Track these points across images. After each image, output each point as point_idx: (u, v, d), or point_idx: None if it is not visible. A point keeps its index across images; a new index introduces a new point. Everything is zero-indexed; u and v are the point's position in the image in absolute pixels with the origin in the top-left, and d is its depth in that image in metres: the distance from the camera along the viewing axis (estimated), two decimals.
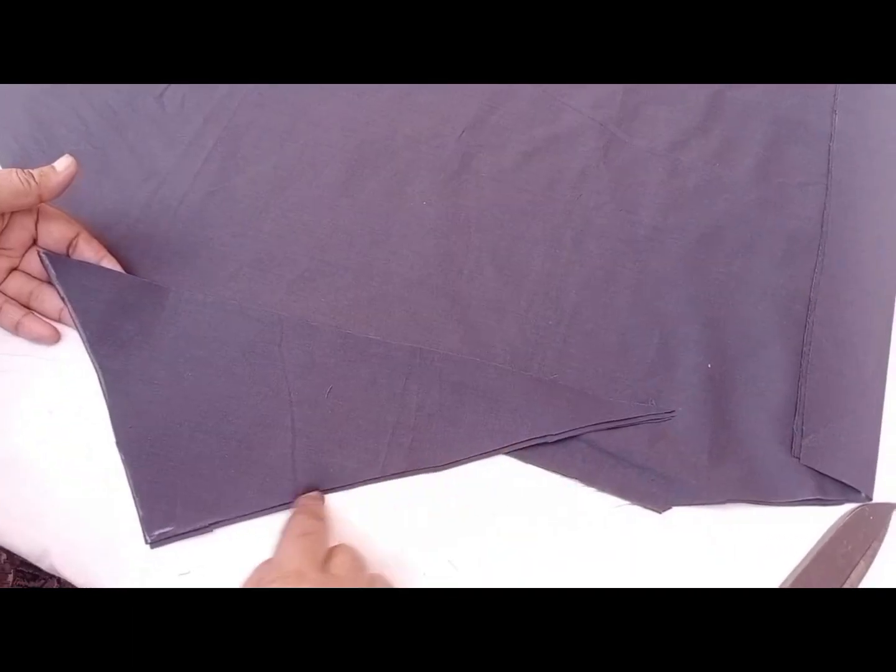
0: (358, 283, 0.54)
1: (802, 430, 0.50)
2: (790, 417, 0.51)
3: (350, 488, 0.48)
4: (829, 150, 0.60)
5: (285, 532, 0.44)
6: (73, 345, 0.50)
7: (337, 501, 0.48)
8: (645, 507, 0.48)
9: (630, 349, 0.53)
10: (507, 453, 0.49)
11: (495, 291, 0.54)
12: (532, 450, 0.49)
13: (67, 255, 0.50)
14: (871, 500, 0.49)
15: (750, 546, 0.48)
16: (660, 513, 0.48)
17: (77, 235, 0.50)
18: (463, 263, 0.55)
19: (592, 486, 0.49)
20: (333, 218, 0.56)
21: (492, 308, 0.54)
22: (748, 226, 0.57)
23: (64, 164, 0.48)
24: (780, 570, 0.47)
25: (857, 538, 0.47)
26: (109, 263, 0.51)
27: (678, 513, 0.48)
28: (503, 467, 0.49)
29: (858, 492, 0.49)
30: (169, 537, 0.46)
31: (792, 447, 0.50)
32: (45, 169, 0.47)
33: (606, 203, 0.57)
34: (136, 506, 0.46)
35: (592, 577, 0.47)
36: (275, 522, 0.46)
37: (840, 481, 0.49)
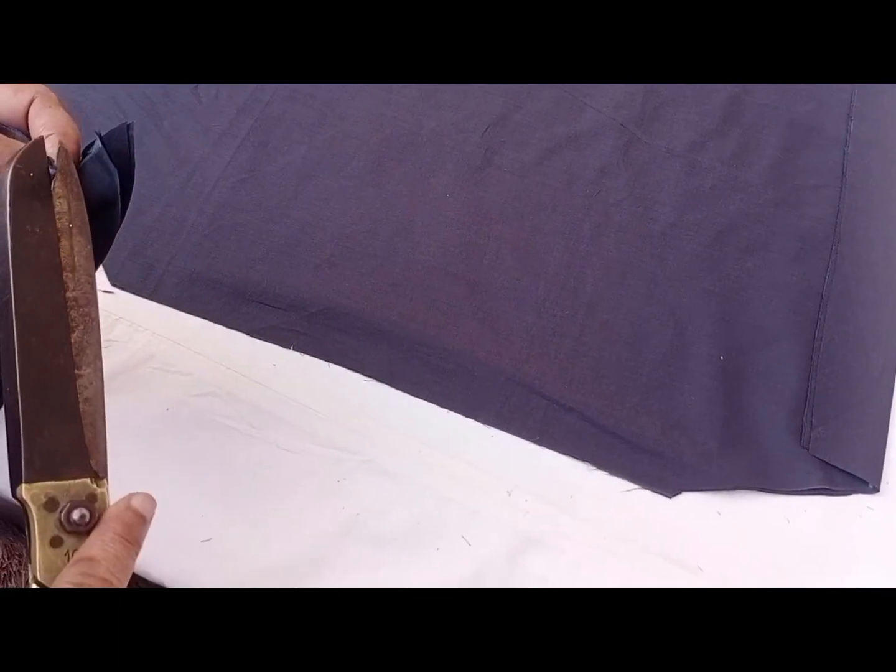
0: (381, 269, 0.56)
1: (812, 421, 0.51)
2: (800, 409, 0.52)
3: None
4: (844, 154, 0.61)
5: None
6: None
7: (350, 475, 0.49)
8: (655, 492, 0.50)
9: (645, 340, 0.54)
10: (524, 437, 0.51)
11: (514, 280, 0.56)
12: (545, 432, 0.51)
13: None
14: (878, 490, 0.50)
15: (756, 531, 0.49)
16: (669, 497, 0.49)
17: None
18: (483, 253, 0.56)
19: (604, 470, 0.50)
20: (359, 207, 0.58)
21: (510, 296, 0.55)
22: (763, 225, 0.58)
23: None
24: (786, 558, 0.48)
25: None
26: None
27: (687, 498, 0.50)
28: (516, 448, 0.51)
29: (866, 483, 0.50)
30: None
31: (801, 438, 0.51)
32: None
33: (625, 199, 0.59)
34: None
35: (600, 558, 0.48)
36: (293, 492, 0.48)
37: (847, 472, 0.50)
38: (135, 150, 0.37)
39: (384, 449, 0.50)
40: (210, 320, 0.54)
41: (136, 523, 0.33)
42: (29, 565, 0.31)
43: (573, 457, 0.51)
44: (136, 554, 0.33)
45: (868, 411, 0.52)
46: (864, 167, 0.61)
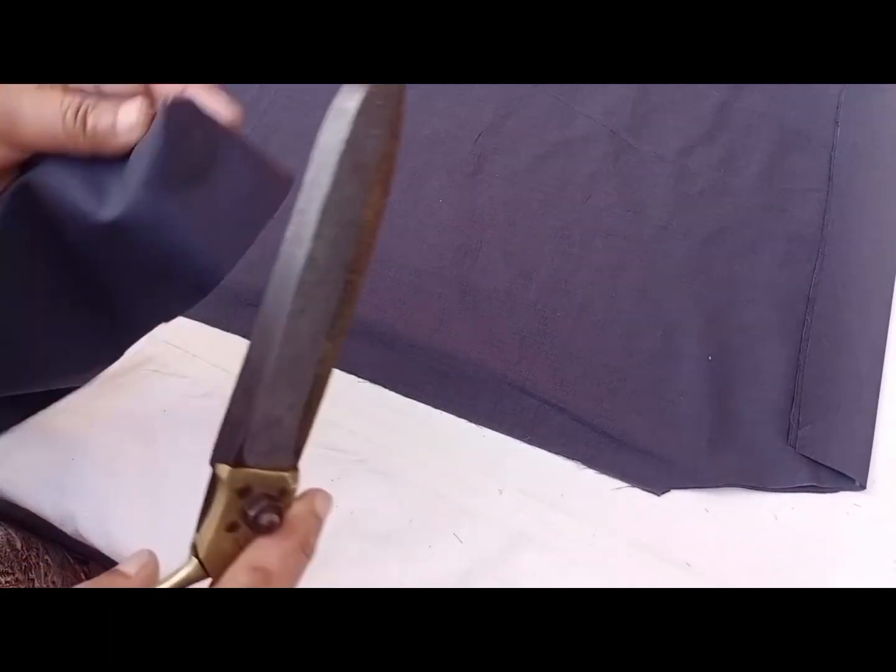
0: (374, 273, 0.57)
1: (799, 420, 0.52)
2: (788, 409, 0.53)
3: None
4: (832, 159, 0.62)
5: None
6: None
7: (344, 475, 0.50)
8: (644, 490, 0.50)
9: (634, 341, 0.55)
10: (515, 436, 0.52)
11: (506, 283, 0.57)
12: (536, 431, 0.52)
13: None
14: (864, 488, 0.50)
15: (744, 528, 0.49)
16: (658, 495, 0.50)
17: None
18: (475, 257, 0.58)
19: (594, 468, 0.51)
20: None
21: (502, 299, 0.56)
22: (751, 228, 0.59)
23: (127, 120, 0.33)
24: (773, 554, 0.49)
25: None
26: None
27: (676, 495, 0.50)
28: (506, 447, 0.51)
29: (853, 480, 0.50)
30: None
31: (788, 436, 0.51)
32: (104, 119, 0.33)
33: (615, 205, 0.60)
34: None
35: (590, 554, 0.48)
36: None
37: (835, 470, 0.50)
38: None
39: (377, 449, 0.51)
40: (207, 323, 0.56)
41: (315, 531, 0.31)
42: (195, 535, 0.29)
43: (563, 455, 0.51)
44: (307, 566, 0.31)
45: (855, 410, 0.52)
46: (850, 171, 0.62)
